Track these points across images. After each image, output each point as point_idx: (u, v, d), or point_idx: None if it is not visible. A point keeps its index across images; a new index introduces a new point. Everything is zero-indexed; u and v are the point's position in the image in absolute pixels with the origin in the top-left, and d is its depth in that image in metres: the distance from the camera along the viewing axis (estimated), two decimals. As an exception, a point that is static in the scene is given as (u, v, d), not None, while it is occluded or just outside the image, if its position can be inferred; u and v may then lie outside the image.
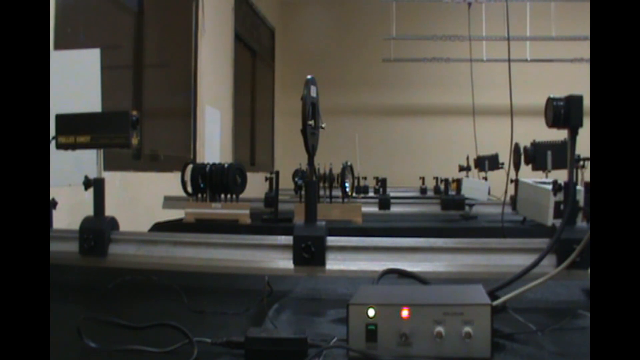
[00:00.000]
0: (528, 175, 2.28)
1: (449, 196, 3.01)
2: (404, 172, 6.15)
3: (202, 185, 2.17)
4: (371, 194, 3.99)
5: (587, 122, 0.81)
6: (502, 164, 3.31)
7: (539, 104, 1.21)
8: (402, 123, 7.51)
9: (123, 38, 3.39)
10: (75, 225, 1.29)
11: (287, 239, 1.18)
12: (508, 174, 2.05)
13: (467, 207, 2.82)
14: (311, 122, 1.19)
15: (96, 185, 1.30)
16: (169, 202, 2.83)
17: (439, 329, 0.71)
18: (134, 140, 1.28)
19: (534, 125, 2.37)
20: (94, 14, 2.97)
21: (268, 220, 2.32)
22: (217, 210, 2.15)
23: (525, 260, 1.05)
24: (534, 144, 2.13)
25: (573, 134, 1.08)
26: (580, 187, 1.70)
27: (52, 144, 1.29)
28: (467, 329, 0.71)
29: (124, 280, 1.13)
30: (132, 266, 1.24)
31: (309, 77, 1.20)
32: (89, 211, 1.30)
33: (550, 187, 1.88)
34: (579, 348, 0.79)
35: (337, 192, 2.45)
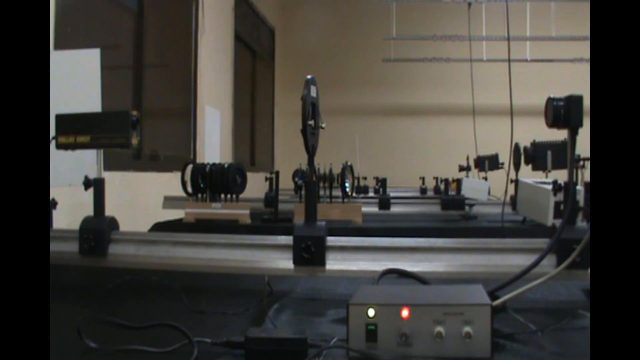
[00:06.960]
0: (528, 175, 2.28)
1: (449, 196, 3.01)
2: (404, 172, 6.15)
3: (202, 185, 2.17)
4: (371, 194, 3.99)
5: (587, 122, 0.81)
6: (502, 164, 3.31)
7: (539, 104, 1.21)
8: (402, 123, 7.50)
9: (123, 38, 3.39)
10: (75, 225, 1.29)
11: (287, 239, 1.18)
12: (508, 174, 2.05)
13: (467, 207, 2.82)
14: (311, 122, 1.18)
15: (96, 185, 1.30)
16: (169, 202, 2.83)
17: (439, 329, 0.71)
18: (134, 140, 1.28)
19: (534, 125, 2.37)
20: (94, 14, 2.97)
21: (268, 220, 2.31)
22: (217, 210, 2.15)
23: (525, 260, 1.05)
24: (534, 144, 2.13)
25: (573, 134, 1.08)
26: (580, 187, 1.70)
27: (52, 144, 1.29)
28: (467, 329, 0.71)
29: (124, 280, 1.13)
30: (132, 266, 1.24)
31: (309, 77, 1.20)
32: (89, 211, 1.30)
33: (550, 187, 1.88)
34: (579, 348, 0.79)
35: (337, 192, 2.44)
